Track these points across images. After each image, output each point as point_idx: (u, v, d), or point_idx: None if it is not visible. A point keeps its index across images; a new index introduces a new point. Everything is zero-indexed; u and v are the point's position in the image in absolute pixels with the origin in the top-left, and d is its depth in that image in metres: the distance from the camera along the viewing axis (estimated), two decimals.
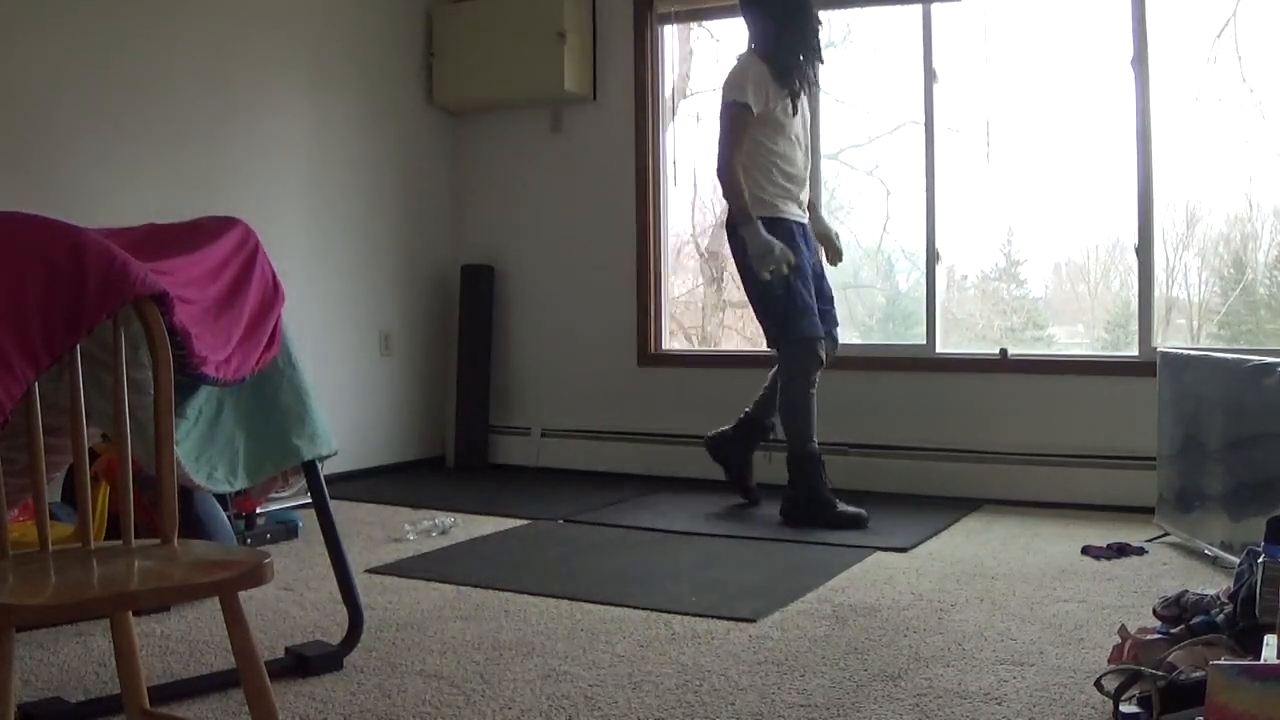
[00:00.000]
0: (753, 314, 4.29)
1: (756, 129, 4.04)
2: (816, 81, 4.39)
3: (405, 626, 2.82)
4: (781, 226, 4.06)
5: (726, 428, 4.41)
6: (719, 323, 5.59)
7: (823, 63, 4.24)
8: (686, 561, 3.53)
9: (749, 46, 4.15)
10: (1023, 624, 2.77)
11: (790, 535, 3.87)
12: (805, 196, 4.23)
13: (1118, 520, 4.03)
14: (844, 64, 5.04)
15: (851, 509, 4.02)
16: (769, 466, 4.43)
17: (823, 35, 4.22)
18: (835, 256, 4.41)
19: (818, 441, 4.11)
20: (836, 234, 4.43)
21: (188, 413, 2.23)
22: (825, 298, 4.23)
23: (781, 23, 4.07)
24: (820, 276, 4.25)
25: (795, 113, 4.12)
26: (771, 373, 4.32)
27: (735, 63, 4.13)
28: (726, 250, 5.57)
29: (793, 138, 4.12)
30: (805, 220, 4.22)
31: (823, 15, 4.93)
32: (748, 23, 4.17)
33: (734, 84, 4.03)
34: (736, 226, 4.05)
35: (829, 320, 4.21)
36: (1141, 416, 4.00)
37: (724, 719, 2.18)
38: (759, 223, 3.99)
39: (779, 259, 3.95)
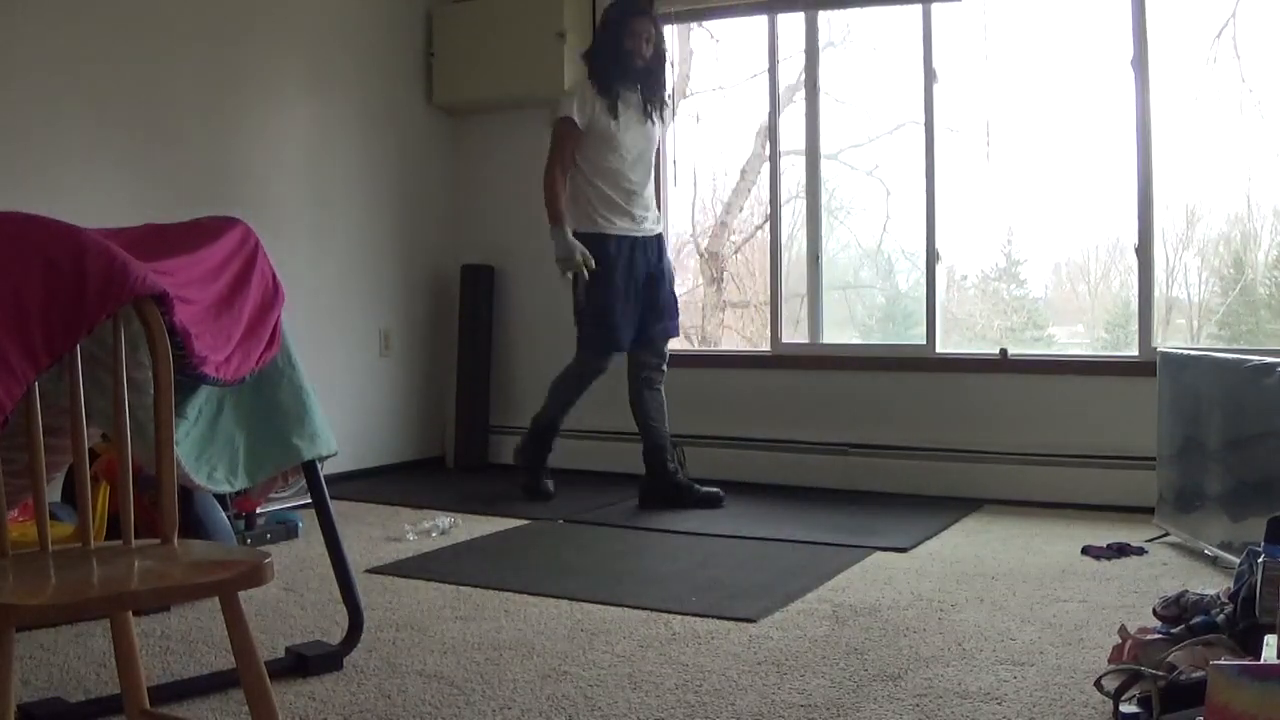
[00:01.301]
0: (752, 314, 4.53)
1: (586, 145, 4.36)
2: (658, 103, 4.51)
3: (405, 626, 2.82)
4: (603, 242, 4.34)
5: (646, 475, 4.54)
6: (719, 323, 5.60)
7: (651, 84, 4.44)
8: (686, 561, 3.53)
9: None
10: (1023, 624, 2.77)
11: (790, 535, 3.87)
12: (644, 210, 4.46)
13: (1118, 520, 4.03)
14: (844, 64, 5.04)
15: (548, 485, 4.54)
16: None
17: (642, 55, 4.37)
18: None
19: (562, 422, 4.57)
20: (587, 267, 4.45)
21: (188, 413, 2.23)
22: (659, 308, 4.47)
23: (596, 41, 4.48)
24: (655, 286, 4.46)
25: (624, 124, 4.36)
26: (635, 395, 4.53)
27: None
28: (726, 250, 5.60)
29: (623, 154, 4.37)
30: (641, 234, 4.43)
31: (822, 16, 4.96)
32: None
33: (563, 100, 4.42)
34: (555, 223, 4.38)
35: (656, 331, 4.48)
36: (1141, 416, 4.00)
37: (724, 719, 2.18)
38: (566, 228, 4.33)
39: (576, 264, 4.30)
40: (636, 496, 4.49)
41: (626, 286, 4.38)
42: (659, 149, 4.64)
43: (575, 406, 4.57)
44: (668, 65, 4.60)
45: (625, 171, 4.39)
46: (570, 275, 4.36)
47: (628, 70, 4.36)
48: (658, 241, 4.52)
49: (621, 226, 4.39)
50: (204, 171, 4.39)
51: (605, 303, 4.34)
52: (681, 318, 4.68)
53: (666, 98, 4.57)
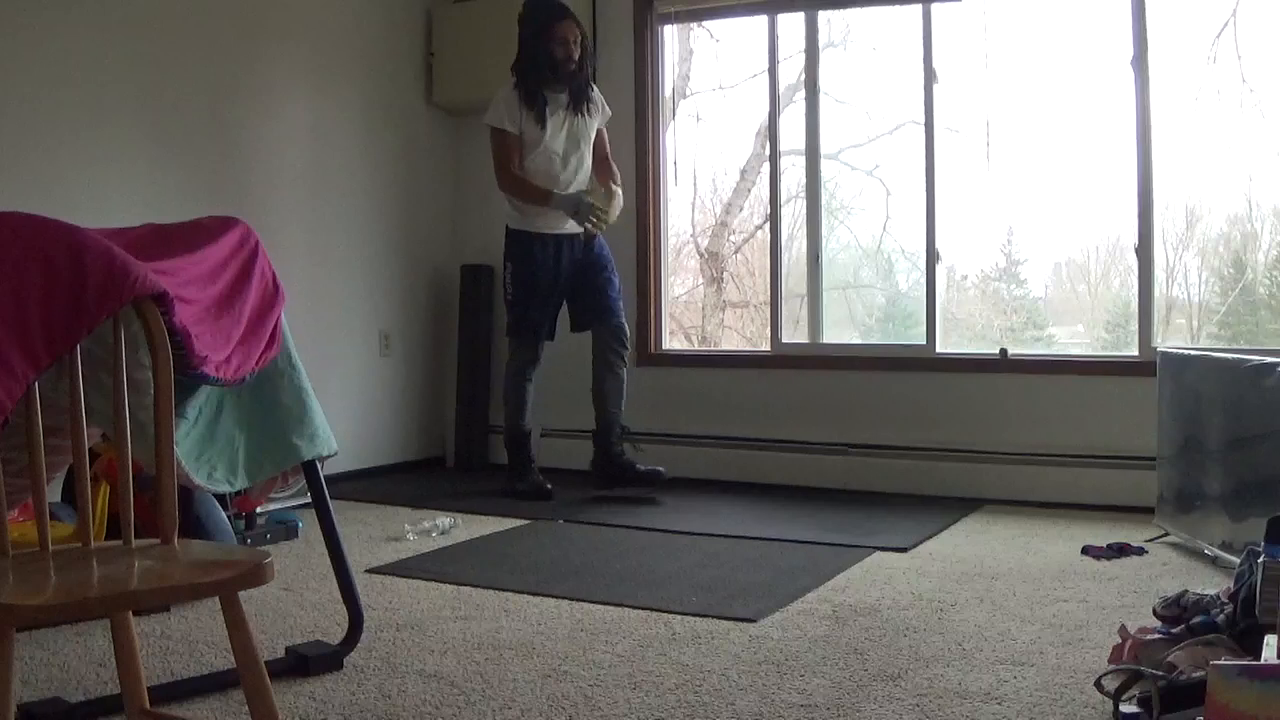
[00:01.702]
0: (752, 314, 4.58)
1: (522, 147, 4.49)
2: (586, 99, 4.58)
3: (405, 626, 2.82)
4: (524, 238, 4.54)
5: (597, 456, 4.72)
6: (719, 323, 5.59)
7: (577, 81, 4.51)
8: (686, 561, 3.53)
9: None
10: (1023, 624, 2.77)
11: (790, 535, 3.87)
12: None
13: (1118, 520, 4.03)
14: (844, 64, 5.04)
15: (539, 481, 4.63)
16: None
17: (572, 59, 4.46)
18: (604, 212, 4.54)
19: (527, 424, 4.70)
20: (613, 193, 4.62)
21: (188, 413, 2.23)
22: (602, 292, 4.62)
23: (523, 50, 4.50)
24: (593, 273, 4.60)
25: (551, 128, 4.48)
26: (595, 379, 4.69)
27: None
28: (726, 250, 5.60)
29: (549, 154, 4.51)
30: (564, 231, 4.57)
31: (822, 16, 4.96)
32: None
33: (490, 110, 4.54)
34: (549, 204, 4.48)
35: (606, 315, 4.62)
36: (1141, 416, 4.00)
37: (724, 719, 2.18)
38: (556, 194, 4.46)
39: (587, 205, 4.44)
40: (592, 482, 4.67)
41: (552, 280, 4.57)
42: (597, 140, 4.68)
43: (532, 404, 4.70)
44: (668, 66, 4.62)
45: (556, 174, 4.52)
46: (589, 225, 4.47)
47: (558, 76, 4.46)
48: (576, 241, 4.62)
49: (549, 224, 4.54)
50: (204, 171, 4.39)
51: (528, 295, 4.57)
52: (681, 318, 4.71)
53: (591, 92, 4.61)
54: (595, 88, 4.66)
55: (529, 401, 4.69)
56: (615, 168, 4.73)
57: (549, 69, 4.44)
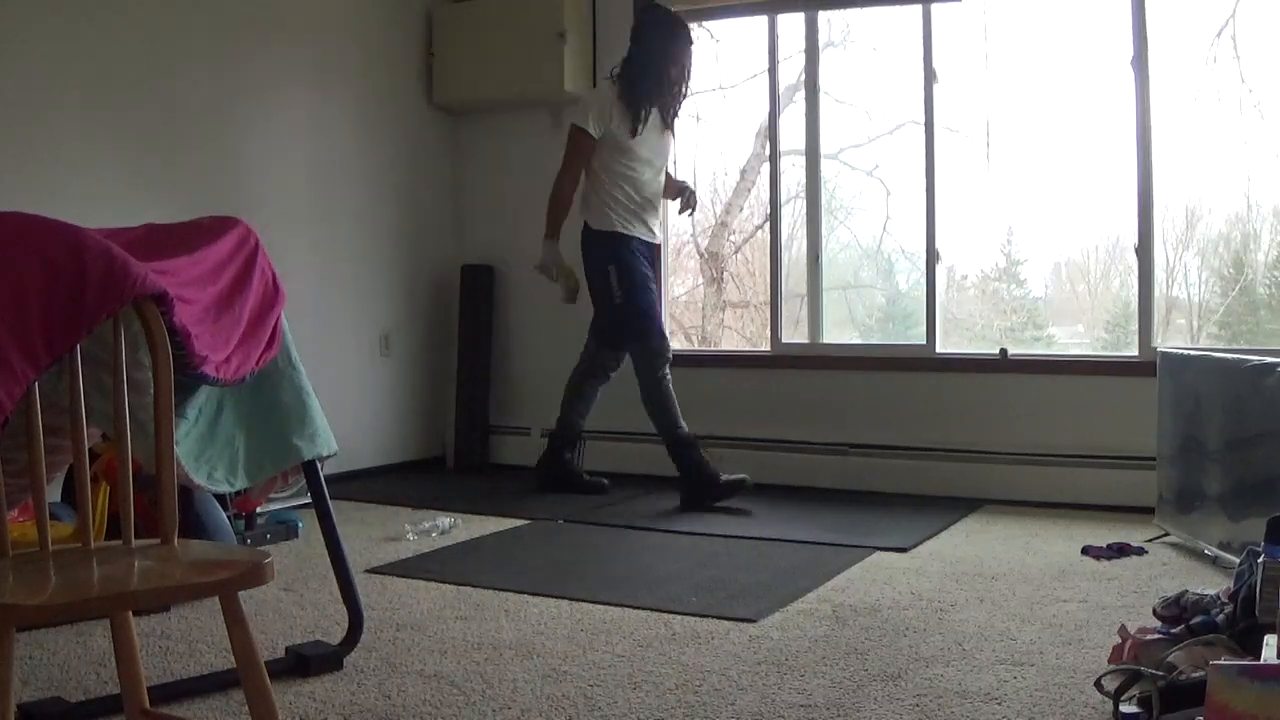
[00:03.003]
0: (752, 314, 4.59)
1: (603, 152, 4.45)
2: (673, 120, 4.63)
3: (405, 626, 2.82)
4: (621, 240, 4.49)
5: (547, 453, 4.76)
6: (719, 323, 5.59)
7: (679, 100, 4.56)
8: (686, 561, 3.53)
9: (609, 72, 4.57)
10: (1023, 624, 2.77)
11: (790, 535, 3.88)
12: (656, 219, 4.63)
13: (1118, 520, 4.03)
14: (844, 64, 5.04)
15: (733, 476, 4.40)
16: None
17: (682, 76, 4.51)
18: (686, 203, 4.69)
19: (685, 425, 4.49)
20: (685, 184, 4.73)
21: (188, 413, 2.23)
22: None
23: (641, 60, 4.45)
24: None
25: (641, 139, 4.45)
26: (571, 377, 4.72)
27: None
28: (726, 250, 5.60)
29: (640, 166, 4.48)
30: (654, 240, 4.63)
31: (822, 16, 4.96)
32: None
33: (581, 105, 4.55)
34: (582, 241, 4.55)
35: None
36: (1141, 416, 4.00)
37: (724, 719, 2.18)
38: (556, 245, 4.55)
39: (550, 274, 4.58)
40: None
41: (648, 286, 4.53)
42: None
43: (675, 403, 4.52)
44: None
45: (645, 181, 4.52)
46: (566, 285, 4.58)
47: (663, 95, 4.47)
48: (658, 250, 4.72)
49: (639, 231, 4.52)
50: (204, 171, 4.39)
51: (645, 292, 4.48)
52: (681, 318, 4.73)
53: (677, 109, 4.62)
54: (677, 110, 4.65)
55: (676, 402, 4.50)
56: (678, 181, 4.79)
57: (657, 88, 4.43)
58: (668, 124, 4.57)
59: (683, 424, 4.46)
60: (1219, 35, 4.35)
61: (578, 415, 4.70)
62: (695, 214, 4.82)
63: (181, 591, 1.64)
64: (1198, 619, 2.30)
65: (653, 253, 4.67)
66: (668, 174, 4.72)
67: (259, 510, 3.80)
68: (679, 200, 4.65)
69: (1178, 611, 2.41)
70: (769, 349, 5.06)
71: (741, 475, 4.39)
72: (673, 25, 4.48)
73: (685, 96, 4.60)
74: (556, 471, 4.71)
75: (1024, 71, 4.68)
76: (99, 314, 1.72)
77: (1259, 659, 1.93)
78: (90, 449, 2.37)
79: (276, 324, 2.32)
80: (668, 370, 4.49)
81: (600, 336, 4.61)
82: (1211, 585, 2.66)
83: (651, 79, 4.42)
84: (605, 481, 4.72)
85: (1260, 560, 2.17)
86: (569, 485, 4.68)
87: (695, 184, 5.04)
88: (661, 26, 4.47)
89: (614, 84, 4.48)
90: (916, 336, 4.83)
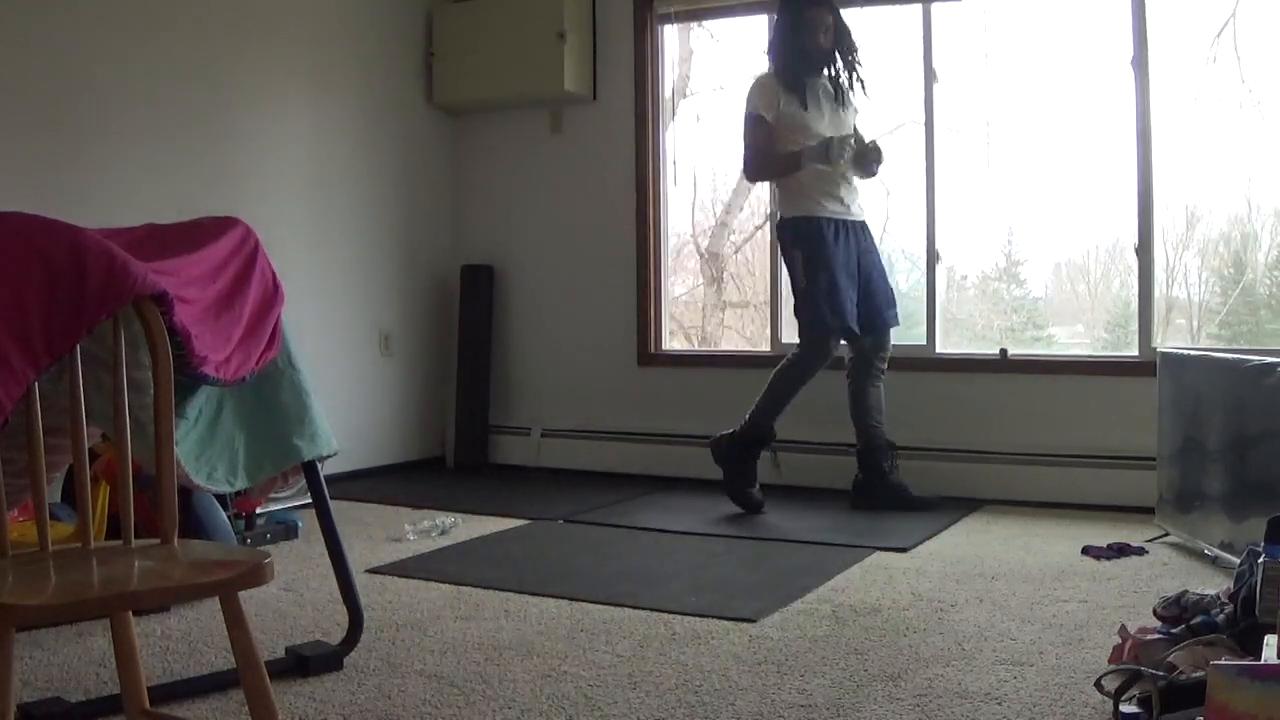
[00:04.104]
0: (752, 314, 4.57)
1: (780, 137, 4.26)
2: (847, 81, 4.39)
3: (405, 626, 2.82)
4: (813, 224, 4.25)
5: (733, 430, 4.39)
6: (719, 323, 5.59)
7: (843, 63, 4.35)
8: (686, 561, 3.53)
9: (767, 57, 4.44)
10: (1023, 624, 2.77)
11: (790, 535, 3.87)
12: (848, 192, 4.33)
13: (1118, 520, 4.03)
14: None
15: (757, 495, 4.31)
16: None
17: (830, 38, 4.30)
18: (869, 160, 4.32)
19: (774, 425, 4.36)
20: (872, 143, 4.35)
21: (188, 413, 2.23)
22: (877, 296, 4.33)
23: (780, 37, 4.34)
24: (872, 276, 4.35)
25: (814, 113, 4.27)
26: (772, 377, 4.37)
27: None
28: (726, 250, 5.60)
29: (815, 139, 4.22)
30: (849, 216, 4.33)
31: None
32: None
33: (748, 98, 4.35)
34: (800, 164, 4.22)
35: (879, 321, 4.34)
36: (1141, 416, 4.00)
37: (724, 719, 2.18)
38: (806, 151, 4.19)
39: (841, 141, 4.19)
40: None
41: (846, 267, 4.27)
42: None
43: (790, 408, 4.35)
44: (668, 66, 4.55)
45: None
46: (843, 158, 4.20)
47: (811, 62, 4.30)
48: (864, 227, 4.40)
49: (832, 210, 4.28)
50: (204, 171, 4.39)
51: (832, 282, 4.22)
52: (681, 318, 4.68)
53: (856, 75, 4.39)
54: (851, 78, 4.40)
55: (790, 401, 4.31)
56: None
57: (798, 57, 4.27)
58: (840, 98, 4.36)
59: (774, 423, 4.34)
60: (1219, 35, 4.35)
61: (870, 419, 4.35)
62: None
63: (181, 591, 1.64)
64: (1198, 619, 2.30)
65: (856, 231, 4.33)
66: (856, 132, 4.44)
67: (259, 510, 3.80)
68: (828, 157, 4.22)
69: (1178, 611, 2.41)
70: (769, 349, 5.06)
71: (760, 499, 4.31)
72: None
73: (854, 63, 4.36)
74: (880, 489, 4.34)
75: (1024, 71, 4.68)
76: (99, 314, 1.72)
77: (1259, 659, 1.93)
78: (90, 449, 2.37)
79: (276, 324, 2.32)
80: (817, 369, 4.29)
81: (804, 327, 4.34)
82: (1211, 585, 2.66)
83: (796, 56, 4.28)
84: (931, 499, 4.31)
85: (1260, 560, 2.17)
86: (893, 501, 4.30)
87: (696, 185, 4.98)
88: (788, 1, 4.34)
89: (769, 72, 4.35)
90: (916, 336, 4.83)
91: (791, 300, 4.48)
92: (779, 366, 4.34)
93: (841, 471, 4.75)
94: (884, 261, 4.49)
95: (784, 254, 4.39)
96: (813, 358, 4.28)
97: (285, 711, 2.20)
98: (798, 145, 4.22)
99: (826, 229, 4.25)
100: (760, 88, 4.33)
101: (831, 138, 4.19)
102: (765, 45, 4.43)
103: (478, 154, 5.60)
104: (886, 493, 4.33)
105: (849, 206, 4.33)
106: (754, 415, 4.33)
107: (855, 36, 4.40)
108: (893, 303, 4.39)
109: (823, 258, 4.22)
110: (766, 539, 3.83)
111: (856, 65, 4.37)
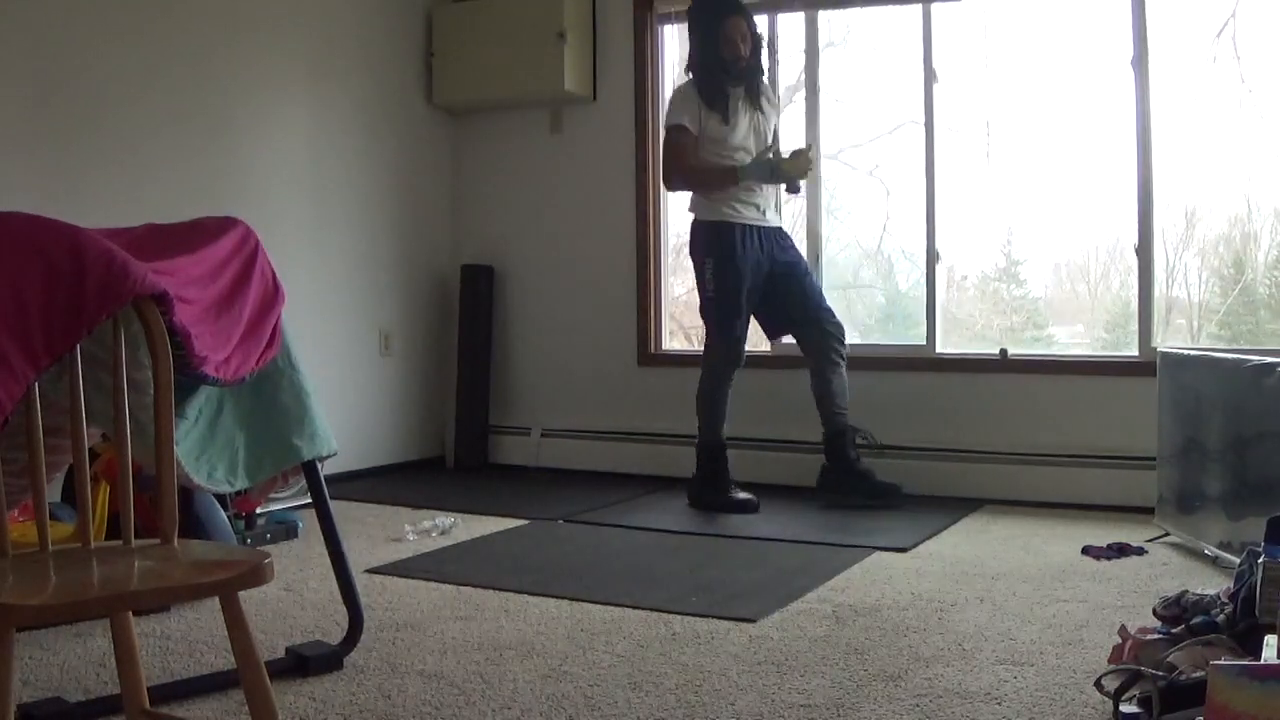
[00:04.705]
0: (752, 314, 4.50)
1: (701, 147, 4.34)
2: (761, 92, 4.48)
3: (405, 626, 2.82)
4: (726, 230, 4.33)
5: (694, 474, 4.50)
6: None
7: (753, 74, 4.42)
8: (686, 561, 3.53)
9: (685, 70, 4.50)
10: (1023, 624, 2.77)
11: (790, 535, 3.87)
12: (766, 200, 4.42)
13: (1118, 520, 4.03)
14: (844, 64, 5.04)
15: (743, 495, 4.34)
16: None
17: (749, 45, 4.38)
18: (795, 177, 4.36)
19: (723, 435, 4.44)
20: (809, 146, 4.50)
21: (188, 413, 2.23)
22: (806, 291, 4.43)
23: (699, 49, 4.40)
24: (795, 276, 4.43)
25: (734, 125, 4.35)
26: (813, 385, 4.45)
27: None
28: None
29: (739, 156, 4.34)
30: (764, 223, 4.41)
31: (822, 16, 4.95)
32: None
33: (670, 108, 4.46)
34: (737, 179, 4.31)
35: (810, 311, 4.41)
36: (1141, 416, 4.00)
37: (724, 719, 2.18)
38: (739, 168, 4.30)
39: (773, 155, 4.32)
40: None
41: (755, 277, 4.36)
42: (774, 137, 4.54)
43: (728, 413, 4.43)
44: (668, 66, 4.58)
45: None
46: (787, 177, 4.30)
47: (731, 73, 4.35)
48: (780, 233, 4.49)
49: (748, 216, 4.35)
50: (204, 171, 4.39)
51: (736, 292, 4.33)
52: (681, 318, 4.69)
53: (766, 83, 4.53)
54: (767, 81, 4.56)
55: (728, 409, 4.43)
56: None
57: (720, 69, 4.33)
58: (756, 104, 4.43)
59: (722, 433, 4.43)
60: (1219, 35, 4.35)
61: (834, 406, 4.39)
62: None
63: (181, 591, 1.64)
64: (1198, 619, 2.30)
65: (770, 237, 4.41)
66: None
67: (259, 510, 3.80)
68: (774, 176, 4.34)
69: (1178, 611, 2.41)
70: (770, 349, 5.06)
71: (748, 496, 4.36)
72: (707, 4, 4.40)
73: (761, 69, 4.46)
74: (842, 476, 4.38)
75: (1024, 71, 4.68)
76: (99, 314, 1.72)
77: (1259, 659, 1.93)
78: (90, 449, 2.37)
79: (276, 324, 2.32)
80: (732, 375, 4.42)
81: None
82: (1211, 585, 2.66)
83: (716, 67, 4.33)
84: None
85: (1260, 560, 2.17)
86: (857, 488, 4.34)
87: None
88: (700, 11, 4.42)
89: (689, 83, 4.41)
90: (916, 336, 4.83)
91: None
92: (699, 390, 4.45)
93: None
94: (886, 261, 4.52)
95: (692, 255, 4.44)
96: (720, 364, 4.40)
97: (285, 711, 2.20)
98: (718, 158, 4.32)
99: (739, 236, 4.34)
100: (683, 98, 4.40)
101: (776, 161, 4.28)
102: (686, 63, 4.48)
103: (478, 154, 5.60)
104: (852, 481, 4.34)
105: (764, 213, 4.42)
106: (699, 446, 4.45)
107: (762, 38, 4.51)
108: (823, 299, 4.49)
109: (732, 267, 4.31)
110: (766, 539, 3.83)
111: (763, 73, 4.49)
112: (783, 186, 4.43)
